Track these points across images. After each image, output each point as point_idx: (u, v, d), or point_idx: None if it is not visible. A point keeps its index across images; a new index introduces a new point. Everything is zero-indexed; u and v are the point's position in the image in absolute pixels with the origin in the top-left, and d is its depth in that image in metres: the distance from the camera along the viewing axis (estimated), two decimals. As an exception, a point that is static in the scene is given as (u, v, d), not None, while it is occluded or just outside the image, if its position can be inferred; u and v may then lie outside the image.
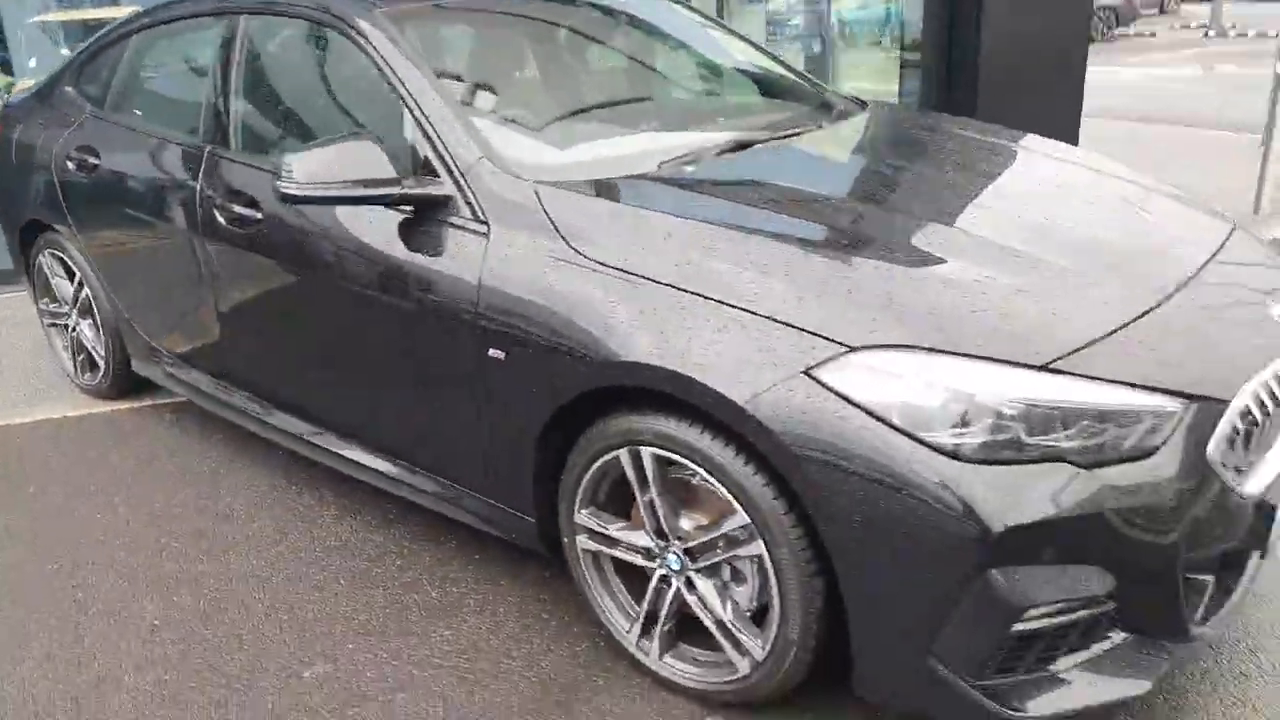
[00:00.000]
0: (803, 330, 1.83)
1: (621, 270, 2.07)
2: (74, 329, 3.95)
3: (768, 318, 1.87)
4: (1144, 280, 2.01)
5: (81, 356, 3.99)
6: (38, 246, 3.95)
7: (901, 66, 6.77)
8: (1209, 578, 1.94)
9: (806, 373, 1.80)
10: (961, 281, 1.93)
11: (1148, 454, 1.74)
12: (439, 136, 2.41)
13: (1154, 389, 1.76)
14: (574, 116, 2.84)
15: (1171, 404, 1.76)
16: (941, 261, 2.00)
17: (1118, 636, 1.86)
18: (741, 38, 3.60)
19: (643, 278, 2.04)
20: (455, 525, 2.67)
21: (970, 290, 1.90)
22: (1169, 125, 8.98)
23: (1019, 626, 1.75)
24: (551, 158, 2.50)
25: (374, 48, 2.59)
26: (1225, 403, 1.80)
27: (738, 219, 2.15)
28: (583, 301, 2.09)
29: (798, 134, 2.77)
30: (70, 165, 3.61)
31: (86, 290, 3.76)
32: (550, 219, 2.22)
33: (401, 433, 2.66)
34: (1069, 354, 1.78)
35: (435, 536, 2.86)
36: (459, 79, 2.75)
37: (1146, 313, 1.91)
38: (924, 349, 1.77)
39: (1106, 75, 13.48)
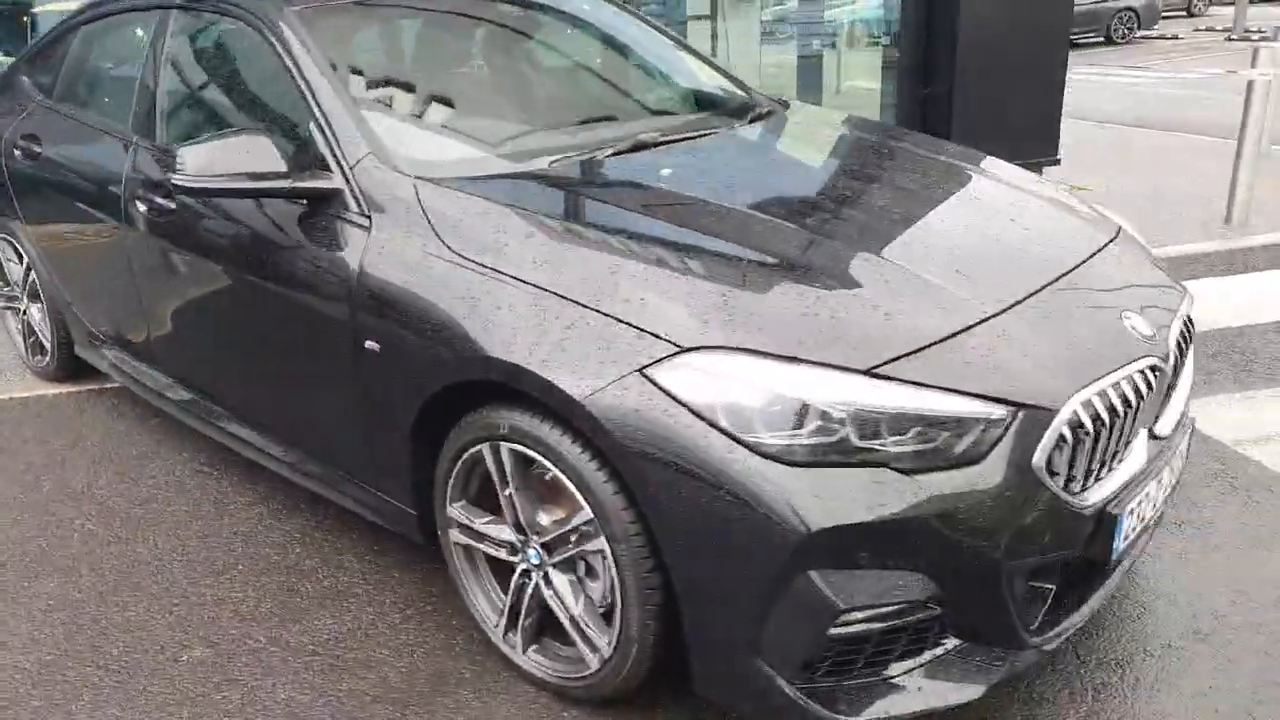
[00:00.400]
0: (641, 330, 1.85)
1: (484, 266, 2.09)
2: (24, 312, 4.02)
3: (612, 317, 1.89)
4: (992, 287, 1.99)
5: (31, 339, 4.07)
6: (-8, 231, 4.04)
7: (884, 65, 6.74)
8: (1050, 586, 1.93)
9: (641, 372, 1.81)
10: (797, 285, 1.93)
11: (973, 461, 1.74)
12: (331, 131, 2.45)
13: (980, 396, 1.75)
14: (474, 113, 2.86)
15: (998, 411, 1.75)
16: (781, 264, 2.00)
17: (950, 643, 1.86)
18: (670, 35, 3.58)
19: (503, 274, 2.06)
20: (360, 516, 2.69)
21: (804, 295, 1.90)
22: (1168, 131, 8.88)
23: (838, 629, 1.75)
24: (440, 154, 2.52)
25: (281, 44, 2.63)
26: (1053, 412, 1.78)
27: (601, 220, 2.17)
28: (449, 296, 2.11)
29: (701, 135, 2.77)
30: (17, 153, 3.68)
31: (34, 275, 3.84)
32: (426, 214, 2.24)
33: (299, 421, 2.70)
34: (896, 359, 1.77)
35: (340, 526, 2.89)
36: (363, 75, 2.77)
37: (985, 320, 1.89)
38: (751, 351, 1.77)
39: (1119, 77, 13.35)
